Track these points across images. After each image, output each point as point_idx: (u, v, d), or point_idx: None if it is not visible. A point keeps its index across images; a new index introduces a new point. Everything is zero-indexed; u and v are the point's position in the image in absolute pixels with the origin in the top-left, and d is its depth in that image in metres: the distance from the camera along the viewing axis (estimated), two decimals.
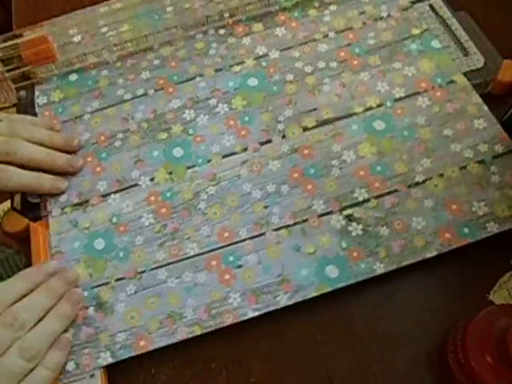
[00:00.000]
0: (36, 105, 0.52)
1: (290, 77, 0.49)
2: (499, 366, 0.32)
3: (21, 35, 0.54)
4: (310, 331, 0.40)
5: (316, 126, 0.46)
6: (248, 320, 0.39)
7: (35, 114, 0.52)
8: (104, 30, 0.55)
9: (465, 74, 0.47)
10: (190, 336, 0.39)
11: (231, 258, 0.41)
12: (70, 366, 0.39)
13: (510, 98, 0.46)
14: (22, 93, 0.54)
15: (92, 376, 0.39)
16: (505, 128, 0.44)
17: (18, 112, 0.53)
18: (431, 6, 0.51)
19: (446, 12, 0.50)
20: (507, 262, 0.40)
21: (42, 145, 0.46)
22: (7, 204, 0.48)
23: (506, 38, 0.49)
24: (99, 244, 0.44)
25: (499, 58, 0.47)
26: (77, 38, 0.55)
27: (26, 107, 0.53)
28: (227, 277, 0.41)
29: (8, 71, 0.53)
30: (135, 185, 0.46)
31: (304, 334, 0.39)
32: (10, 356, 0.36)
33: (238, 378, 0.39)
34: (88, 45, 0.54)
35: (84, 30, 0.55)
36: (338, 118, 0.46)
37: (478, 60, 0.47)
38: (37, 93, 0.53)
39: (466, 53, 0.48)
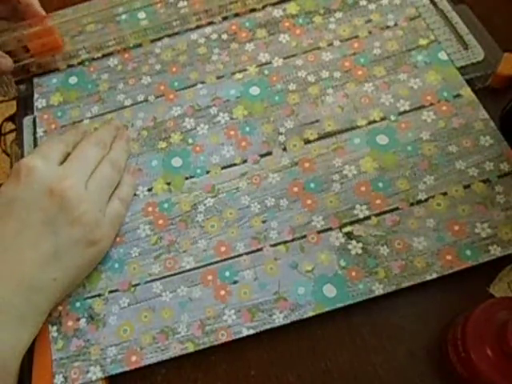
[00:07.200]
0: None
1: (292, 86, 0.48)
2: (499, 358, 0.32)
3: (19, 27, 0.54)
4: (309, 325, 0.39)
5: (318, 139, 0.45)
6: None
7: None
8: (102, 24, 0.55)
9: (465, 67, 0.46)
10: (183, 353, 0.38)
11: (227, 274, 0.41)
12: (58, 379, 0.38)
13: (510, 92, 0.46)
14: (22, 86, 0.53)
15: None
16: (504, 122, 0.43)
17: (18, 106, 0.53)
18: (431, 0, 0.50)
19: (446, 5, 0.50)
20: (507, 255, 0.39)
21: None
22: None
23: (506, 31, 0.49)
24: None
25: (499, 52, 0.46)
26: (77, 32, 0.55)
27: (25, 101, 0.53)
28: (222, 293, 0.40)
29: None
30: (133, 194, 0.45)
31: (304, 327, 0.39)
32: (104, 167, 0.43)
33: (238, 371, 0.39)
34: (89, 38, 0.54)
35: (84, 23, 0.55)
36: (341, 131, 0.45)
37: (478, 53, 0.47)
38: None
39: (466, 46, 0.47)
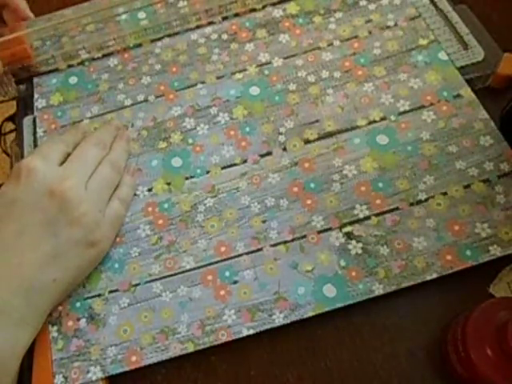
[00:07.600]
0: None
1: (292, 86, 0.48)
2: (499, 358, 0.32)
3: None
4: (309, 324, 0.39)
5: (318, 139, 0.45)
6: None
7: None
8: (102, 24, 0.55)
9: (465, 67, 0.47)
10: (183, 353, 0.38)
11: (227, 274, 0.41)
12: (58, 379, 0.38)
13: (510, 92, 0.46)
14: (22, 86, 0.53)
15: None
16: (504, 122, 0.43)
17: (18, 106, 0.52)
18: (431, 0, 0.50)
19: (446, 5, 0.50)
20: (507, 255, 0.39)
21: None
22: None
23: (506, 31, 0.49)
24: None
25: (499, 52, 0.47)
26: (77, 32, 0.55)
27: (25, 101, 0.53)
28: (222, 293, 0.40)
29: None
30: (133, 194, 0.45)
31: (304, 327, 0.39)
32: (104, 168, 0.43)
33: (238, 371, 0.39)
34: (89, 38, 0.54)
35: (84, 23, 0.55)
36: (341, 131, 0.45)
37: (478, 53, 0.47)
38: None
39: (465, 46, 0.47)
